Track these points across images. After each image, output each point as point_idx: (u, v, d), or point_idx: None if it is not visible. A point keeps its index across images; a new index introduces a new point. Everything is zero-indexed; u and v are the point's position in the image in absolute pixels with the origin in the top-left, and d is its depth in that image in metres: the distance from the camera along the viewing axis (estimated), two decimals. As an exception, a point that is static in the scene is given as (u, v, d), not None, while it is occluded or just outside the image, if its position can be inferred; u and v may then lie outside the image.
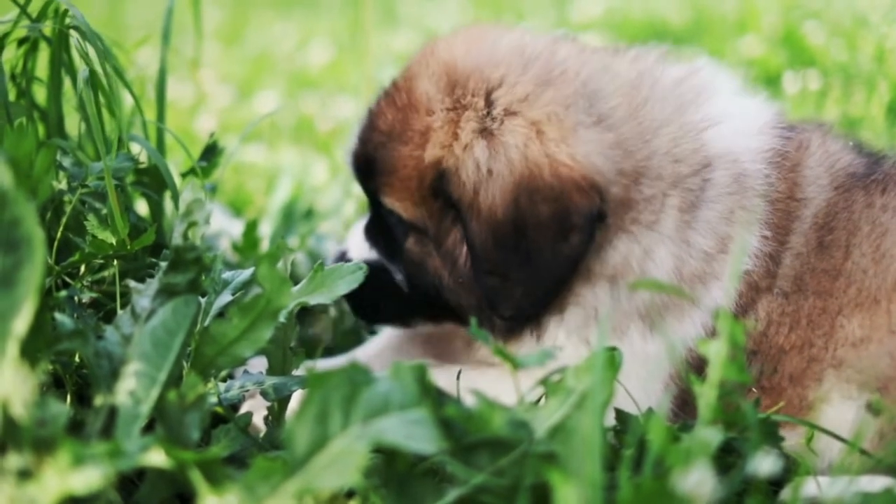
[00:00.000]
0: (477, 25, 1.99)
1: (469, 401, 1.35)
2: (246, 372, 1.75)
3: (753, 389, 1.76)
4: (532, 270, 1.73)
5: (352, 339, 2.38)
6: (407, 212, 1.86)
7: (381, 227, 1.97)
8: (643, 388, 1.74)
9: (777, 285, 1.80)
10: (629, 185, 1.76)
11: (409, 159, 1.83)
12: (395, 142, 1.85)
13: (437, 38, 1.98)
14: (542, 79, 1.81)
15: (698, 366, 1.75)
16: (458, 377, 1.80)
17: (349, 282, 1.67)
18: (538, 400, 1.44)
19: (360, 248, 2.03)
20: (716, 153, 1.82)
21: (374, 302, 2.00)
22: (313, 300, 1.65)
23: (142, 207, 2.45)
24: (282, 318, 1.58)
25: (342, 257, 2.04)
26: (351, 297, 1.87)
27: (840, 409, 1.70)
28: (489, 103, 1.79)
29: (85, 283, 1.91)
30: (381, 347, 2.19)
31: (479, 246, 1.76)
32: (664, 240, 1.77)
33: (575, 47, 1.91)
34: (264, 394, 1.67)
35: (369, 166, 1.91)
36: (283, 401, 1.71)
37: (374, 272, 1.88)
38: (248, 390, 1.69)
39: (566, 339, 1.80)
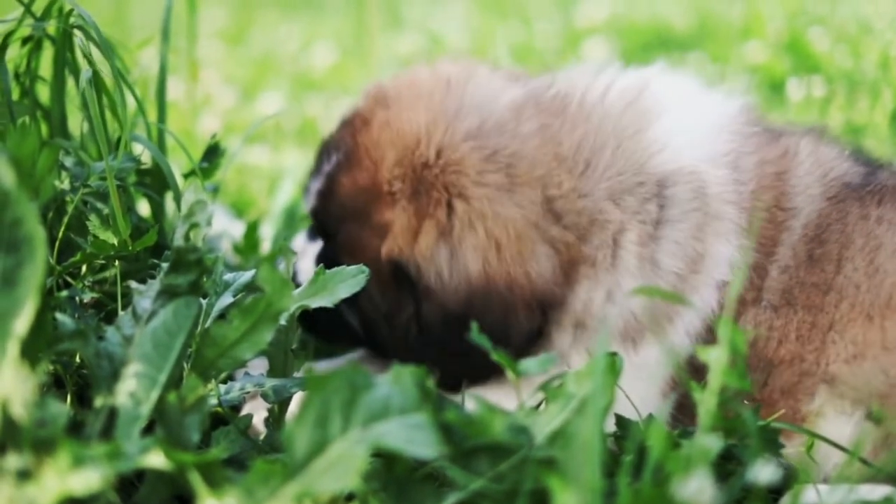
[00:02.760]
0: (438, 81, 1.97)
1: (469, 406, 1.35)
2: (246, 374, 1.75)
3: (745, 401, 1.75)
4: (464, 361, 1.73)
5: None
6: None
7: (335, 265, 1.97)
8: (635, 394, 1.74)
9: (764, 298, 1.78)
10: (576, 251, 1.79)
11: (368, 247, 1.87)
12: (353, 221, 1.89)
13: (397, 101, 1.96)
14: (502, 185, 1.81)
15: (693, 370, 1.74)
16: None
17: (351, 285, 1.66)
18: (538, 405, 1.44)
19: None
20: (668, 172, 1.81)
21: (328, 329, 2.06)
22: (314, 303, 1.65)
23: (143, 208, 2.45)
24: (283, 321, 1.58)
25: (294, 279, 2.04)
26: (305, 318, 1.88)
27: (835, 424, 1.69)
28: (451, 211, 1.81)
29: (86, 283, 1.91)
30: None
31: (426, 322, 1.82)
32: (625, 276, 1.79)
33: (531, 124, 1.88)
34: (264, 396, 1.67)
35: (327, 230, 1.97)
36: (284, 403, 1.71)
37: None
38: (248, 392, 1.69)
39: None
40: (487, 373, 1.77)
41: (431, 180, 1.83)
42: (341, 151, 1.95)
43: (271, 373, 1.77)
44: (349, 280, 1.67)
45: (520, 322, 1.77)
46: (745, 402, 1.73)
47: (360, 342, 2.10)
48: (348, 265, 1.87)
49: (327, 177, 1.96)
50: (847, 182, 1.85)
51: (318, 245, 2.09)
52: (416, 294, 1.83)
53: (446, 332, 1.79)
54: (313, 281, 1.68)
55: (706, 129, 1.87)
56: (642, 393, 1.76)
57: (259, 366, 1.93)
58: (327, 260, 1.98)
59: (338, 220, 1.94)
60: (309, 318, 1.85)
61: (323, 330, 2.09)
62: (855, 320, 1.73)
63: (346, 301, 1.89)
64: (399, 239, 1.83)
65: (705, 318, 1.78)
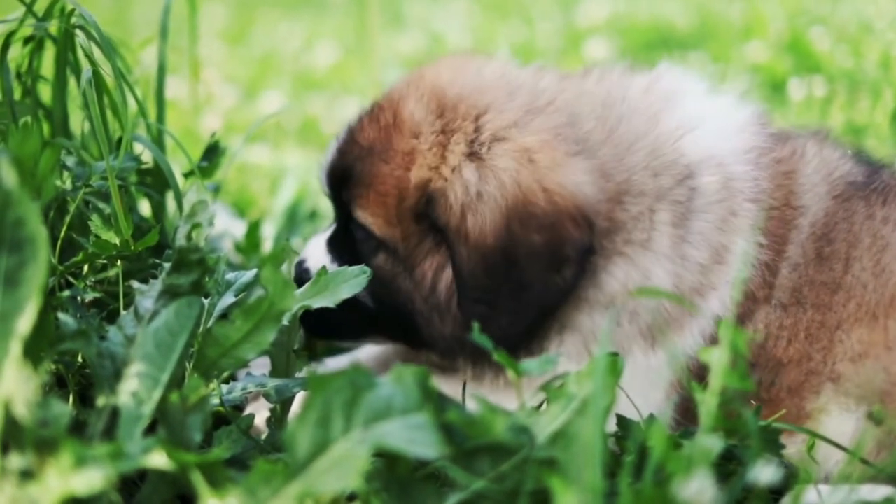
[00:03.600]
0: (461, 55, 2.02)
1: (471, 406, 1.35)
2: (248, 374, 1.75)
3: (752, 401, 1.74)
4: (521, 300, 1.71)
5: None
6: (380, 229, 1.85)
7: (346, 241, 1.94)
8: (645, 400, 1.73)
9: (775, 297, 1.78)
10: (613, 207, 1.75)
11: (389, 177, 1.82)
12: (375, 157, 1.85)
13: (422, 66, 2.00)
14: (530, 106, 1.82)
15: (700, 375, 1.73)
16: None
17: (353, 285, 1.67)
18: (539, 405, 1.44)
19: (320, 259, 1.99)
20: (697, 159, 1.80)
21: (326, 315, 1.88)
22: (316, 303, 1.65)
23: (144, 207, 2.46)
24: (285, 321, 1.58)
25: (300, 266, 2.00)
26: (308, 318, 1.84)
27: (839, 421, 1.69)
28: (478, 128, 1.79)
29: (88, 283, 1.91)
30: (383, 349, 2.18)
31: (468, 273, 1.74)
32: (660, 259, 1.76)
33: (554, 75, 1.92)
34: (267, 396, 1.67)
35: (345, 177, 1.91)
36: (286, 403, 1.72)
37: None
38: (250, 392, 1.69)
39: (567, 366, 1.77)
40: (534, 326, 1.76)
41: (456, 101, 1.84)
42: (364, 109, 1.96)
43: (273, 373, 1.77)
44: (351, 280, 1.67)
45: (571, 236, 1.70)
46: (752, 401, 1.72)
47: (370, 327, 2.01)
48: (363, 228, 1.86)
49: (348, 129, 1.95)
50: (851, 181, 1.86)
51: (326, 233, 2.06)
52: (448, 242, 1.78)
53: (491, 279, 1.73)
54: (315, 281, 1.68)
55: (730, 123, 1.89)
56: (653, 399, 1.76)
57: (261, 365, 1.93)
58: (339, 239, 1.98)
59: (357, 161, 1.89)
60: (313, 315, 1.83)
61: (329, 323, 1.98)
62: (861, 320, 1.73)
63: None
64: (428, 159, 1.80)
65: (722, 317, 1.77)
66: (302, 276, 1.95)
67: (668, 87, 1.91)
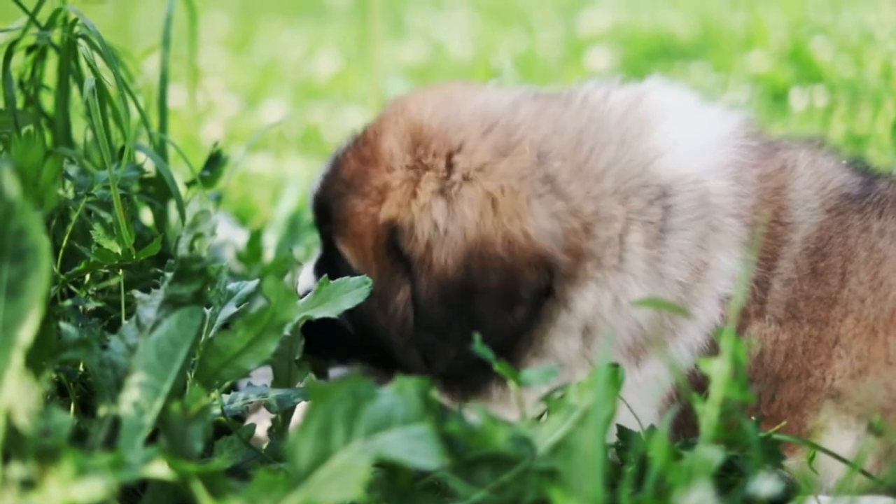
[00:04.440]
0: (449, 84, 2.04)
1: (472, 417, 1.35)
2: (250, 384, 1.75)
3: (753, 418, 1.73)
4: (471, 334, 1.69)
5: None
6: (356, 263, 1.88)
7: (331, 267, 1.95)
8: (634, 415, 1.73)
9: (768, 312, 1.76)
10: (581, 241, 1.76)
11: (364, 215, 1.86)
12: (352, 193, 1.89)
13: (409, 93, 2.03)
14: (499, 148, 1.82)
15: (697, 387, 1.72)
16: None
17: (354, 296, 1.67)
18: (540, 416, 1.44)
19: (307, 283, 2.03)
20: (671, 178, 1.80)
21: (316, 337, 1.95)
22: (318, 314, 1.66)
23: (146, 216, 2.46)
24: (287, 332, 1.58)
25: None
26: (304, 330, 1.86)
27: (839, 439, 1.68)
28: (449, 166, 1.81)
29: (90, 292, 1.92)
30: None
31: (424, 301, 1.78)
32: (635, 278, 1.77)
33: (532, 106, 1.91)
34: (268, 406, 1.67)
35: (327, 210, 1.95)
36: (287, 413, 1.72)
37: None
38: (251, 402, 1.69)
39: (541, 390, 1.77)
40: (498, 348, 1.73)
41: (431, 137, 1.85)
42: (352, 137, 1.99)
43: (275, 383, 1.77)
44: (353, 290, 1.67)
45: (525, 280, 1.72)
46: (753, 417, 1.72)
47: (355, 351, 2.05)
48: (343, 259, 1.89)
49: (334, 159, 1.98)
50: (846, 193, 1.85)
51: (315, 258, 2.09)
52: (411, 270, 1.81)
53: (446, 310, 1.77)
54: (317, 292, 1.69)
55: (708, 140, 1.87)
56: (642, 414, 1.74)
57: (263, 375, 1.93)
58: (324, 264, 2.01)
59: (337, 196, 1.92)
60: (310, 333, 1.84)
61: (316, 343, 1.98)
62: (860, 335, 1.71)
63: None
64: (398, 196, 1.82)
65: (708, 332, 1.76)
66: None
67: (650, 107, 1.90)
